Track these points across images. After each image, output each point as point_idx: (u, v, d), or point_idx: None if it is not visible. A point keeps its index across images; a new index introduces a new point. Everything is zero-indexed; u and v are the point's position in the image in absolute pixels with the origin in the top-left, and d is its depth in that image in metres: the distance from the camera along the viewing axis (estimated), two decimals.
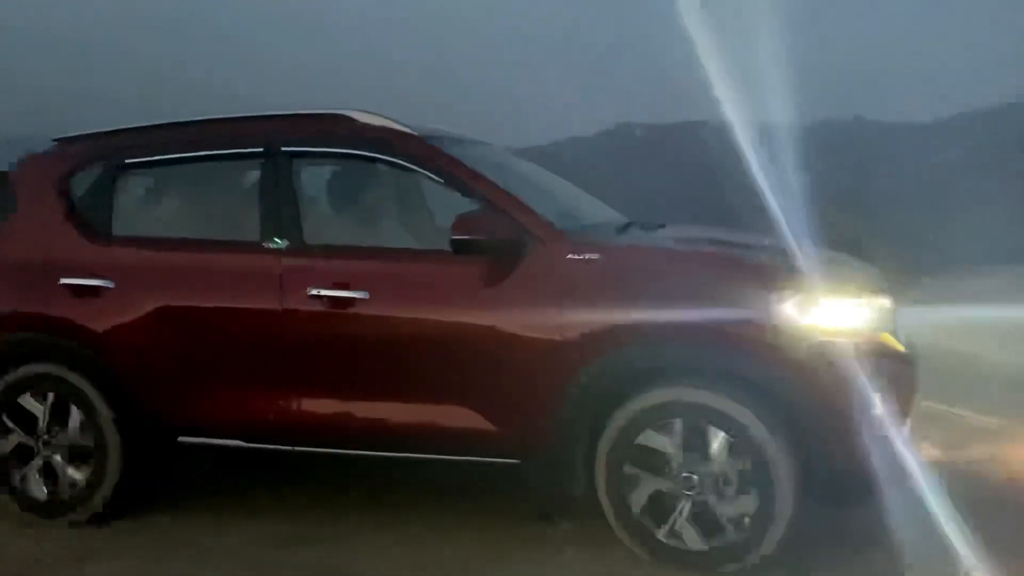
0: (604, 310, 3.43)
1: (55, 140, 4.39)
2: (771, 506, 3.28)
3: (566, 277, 3.49)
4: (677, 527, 3.36)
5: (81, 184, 4.18)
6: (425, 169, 3.80)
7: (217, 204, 4.25)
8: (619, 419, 3.41)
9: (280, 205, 3.87)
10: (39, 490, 4.05)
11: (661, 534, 3.39)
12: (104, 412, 3.96)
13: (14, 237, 4.23)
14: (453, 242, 3.50)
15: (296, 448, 3.82)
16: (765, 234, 3.97)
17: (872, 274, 3.89)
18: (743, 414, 3.29)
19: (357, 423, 3.72)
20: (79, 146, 4.30)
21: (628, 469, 3.41)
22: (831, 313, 3.35)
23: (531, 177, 4.40)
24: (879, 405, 3.28)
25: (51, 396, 4.02)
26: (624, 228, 4.05)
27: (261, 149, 3.97)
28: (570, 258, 3.51)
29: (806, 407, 3.29)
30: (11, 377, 4.08)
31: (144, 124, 4.25)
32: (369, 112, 3.97)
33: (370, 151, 3.90)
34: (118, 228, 4.10)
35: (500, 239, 3.51)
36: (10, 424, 4.07)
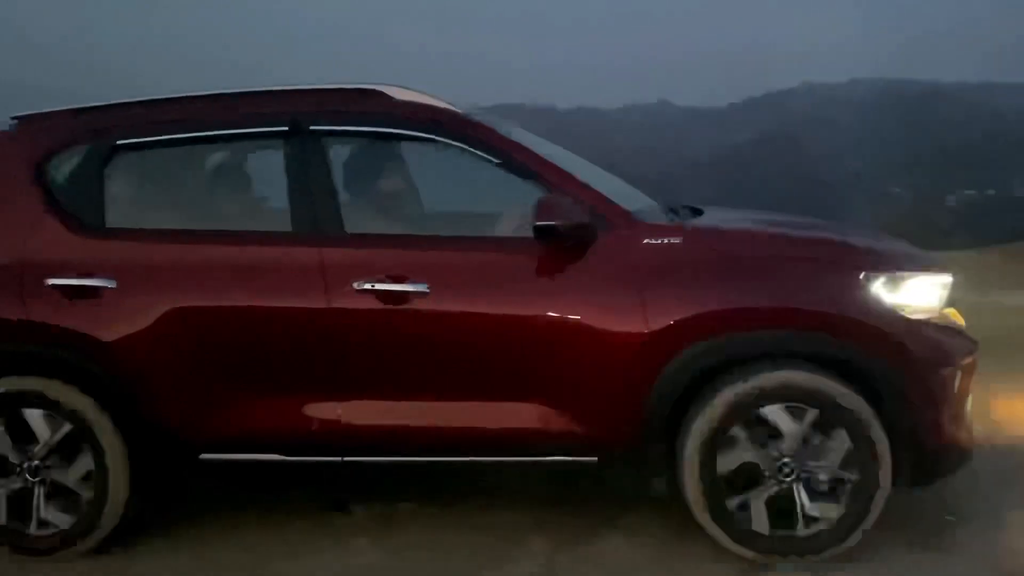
0: (692, 296, 3.28)
1: (15, 119, 3.75)
2: (874, 483, 3.23)
3: (645, 263, 3.31)
4: (776, 513, 3.26)
5: (60, 170, 3.61)
6: (482, 150, 3.48)
7: (232, 190, 3.82)
8: (715, 408, 3.25)
9: (313, 190, 3.46)
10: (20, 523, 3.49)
11: (757, 524, 3.27)
12: (106, 429, 3.45)
13: None
14: (536, 228, 3.24)
15: (346, 459, 3.43)
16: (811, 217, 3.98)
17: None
18: (844, 394, 3.21)
19: (420, 428, 3.39)
20: (53, 125, 3.69)
21: (722, 460, 3.26)
22: (912, 292, 3.33)
23: (566, 158, 4.02)
24: (959, 381, 3.33)
25: (36, 414, 3.46)
26: (674, 211, 3.85)
27: (286, 128, 3.53)
28: (647, 243, 3.34)
29: (900, 385, 3.25)
30: None
31: (137, 99, 3.71)
32: (401, 87, 3.64)
33: (415, 130, 3.56)
34: (112, 219, 3.56)
35: (577, 224, 3.27)
36: None
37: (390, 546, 3.61)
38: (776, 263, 3.38)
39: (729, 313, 3.26)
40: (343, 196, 3.54)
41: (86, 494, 3.50)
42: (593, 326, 3.27)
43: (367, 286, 3.31)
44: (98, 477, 3.48)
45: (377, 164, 3.79)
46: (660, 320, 3.23)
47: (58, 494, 3.52)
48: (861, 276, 3.28)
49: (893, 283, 3.29)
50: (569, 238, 3.28)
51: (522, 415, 3.34)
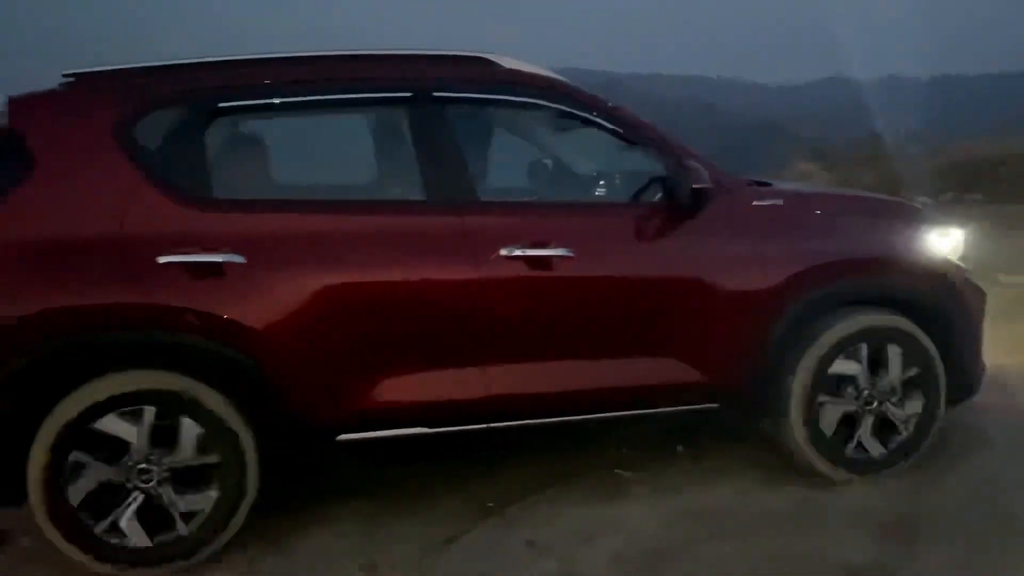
0: (802, 252, 3.67)
1: (69, 75, 3.30)
2: (936, 405, 3.80)
3: (758, 223, 3.65)
4: (864, 443, 3.74)
5: (149, 134, 3.22)
6: (603, 119, 3.63)
7: (351, 157, 3.71)
8: (815, 352, 3.65)
9: (445, 158, 3.40)
10: (138, 536, 3.10)
11: (849, 450, 3.73)
12: (238, 421, 3.17)
13: (44, 207, 3.07)
14: (695, 192, 3.46)
15: (492, 425, 3.45)
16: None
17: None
18: (914, 330, 3.75)
19: (562, 389, 3.48)
20: (132, 84, 3.28)
21: (822, 398, 3.68)
22: (951, 243, 3.95)
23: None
24: (982, 314, 4.02)
25: (149, 412, 3.09)
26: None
27: (410, 94, 3.44)
28: (756, 205, 3.68)
29: (953, 319, 3.86)
30: (85, 395, 3.03)
31: (238, 57, 3.42)
32: (501, 55, 3.66)
33: (535, 98, 3.62)
34: (220, 189, 3.26)
35: (705, 188, 3.50)
36: (84, 459, 3.06)
37: None
38: (865, 221, 3.90)
39: (835, 265, 3.70)
40: (472, 162, 3.52)
41: (213, 494, 3.19)
42: (721, 282, 3.56)
43: (517, 252, 3.34)
44: (229, 475, 3.19)
45: (489, 131, 3.87)
46: (778, 274, 3.59)
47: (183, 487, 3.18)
48: (924, 230, 3.87)
49: (943, 236, 3.91)
50: (701, 201, 3.51)
51: (655, 370, 3.55)
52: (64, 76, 3.33)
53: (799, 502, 3.58)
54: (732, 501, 3.62)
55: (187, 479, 3.18)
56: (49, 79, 3.35)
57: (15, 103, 3.23)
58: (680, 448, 4.12)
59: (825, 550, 3.21)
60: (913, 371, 3.75)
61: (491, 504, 3.63)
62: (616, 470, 3.92)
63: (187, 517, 3.17)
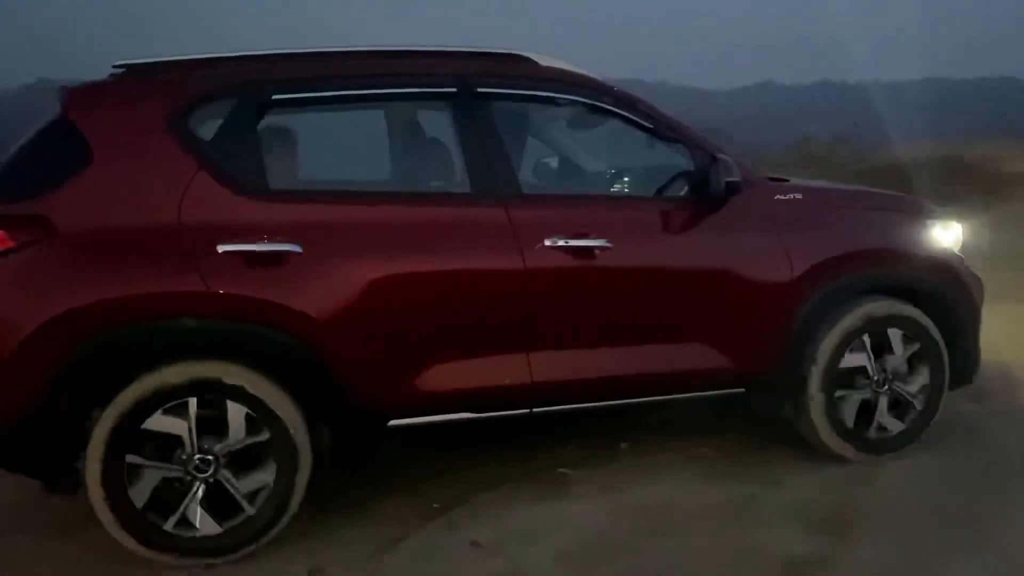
0: (823, 243, 3.84)
1: (120, 66, 3.34)
2: (941, 376, 4.03)
3: (781, 216, 3.80)
4: (883, 422, 3.96)
5: (204, 124, 3.29)
6: (639, 117, 3.76)
7: (398, 150, 3.79)
8: (830, 341, 3.82)
9: (490, 151, 3.50)
10: (209, 524, 3.16)
11: (872, 432, 3.94)
12: (290, 410, 3.22)
13: (103, 196, 3.09)
14: (728, 185, 3.60)
15: (534, 410, 3.55)
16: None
17: None
18: (918, 315, 3.96)
19: (601, 375, 3.60)
20: (186, 76, 3.33)
21: (839, 391, 3.87)
22: (951, 234, 4.19)
23: None
24: (982, 302, 4.24)
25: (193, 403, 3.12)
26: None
27: (455, 89, 3.53)
28: (779, 199, 3.85)
29: (956, 306, 4.08)
30: (137, 391, 3.05)
31: (286, 51, 3.49)
32: (539, 54, 3.76)
33: (574, 95, 3.74)
34: (275, 179, 3.31)
35: (736, 182, 3.65)
36: (142, 461, 3.10)
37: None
38: (877, 215, 4.10)
39: (853, 255, 3.89)
40: (515, 156, 3.66)
41: (268, 476, 3.24)
42: (747, 271, 3.72)
43: (561, 243, 3.46)
44: (284, 459, 3.24)
45: (528, 126, 3.99)
46: (802, 264, 3.75)
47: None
48: (928, 223, 4.10)
49: (945, 228, 4.15)
50: (729, 194, 3.65)
51: (689, 355, 3.69)
52: (114, 67, 3.36)
53: (740, 496, 3.68)
54: (674, 496, 3.70)
55: (244, 463, 3.23)
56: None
57: (71, 94, 3.26)
58: (623, 445, 4.20)
59: (765, 543, 3.30)
60: (916, 346, 3.96)
61: (436, 505, 3.66)
62: (560, 469, 3.98)
63: (250, 497, 3.23)
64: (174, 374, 3.10)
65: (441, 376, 3.39)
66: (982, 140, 21.40)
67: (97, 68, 3.42)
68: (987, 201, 14.15)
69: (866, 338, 3.89)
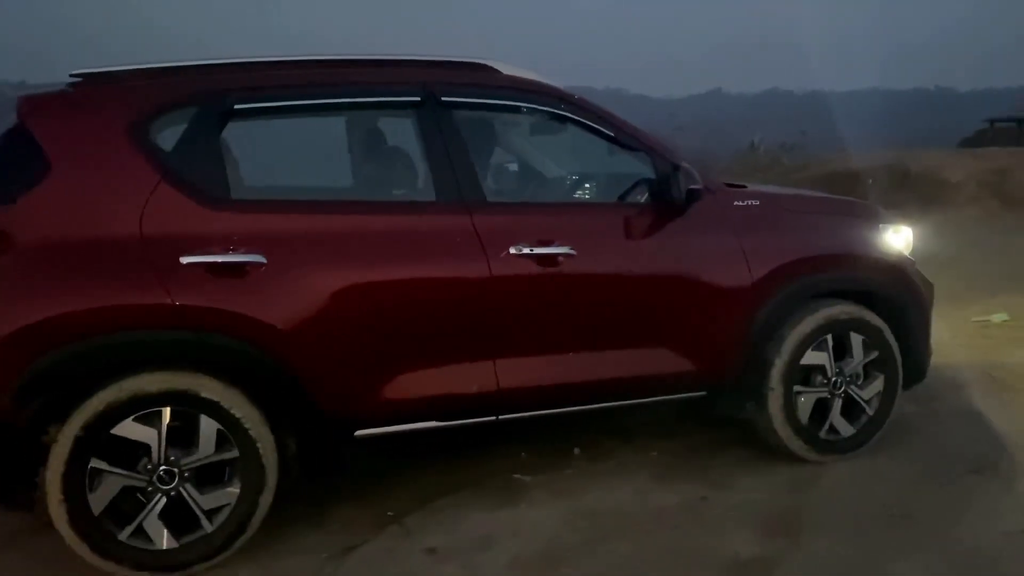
0: (780, 248, 3.92)
1: (77, 75, 3.26)
2: (895, 385, 4.14)
3: (738, 222, 3.87)
4: (835, 424, 4.04)
5: (165, 134, 3.22)
6: (601, 125, 3.79)
7: (363, 159, 3.77)
8: (789, 343, 3.90)
9: (454, 160, 3.50)
10: (165, 538, 3.10)
11: (823, 432, 4.02)
12: (258, 421, 3.18)
13: (62, 207, 3.02)
14: (690, 192, 3.65)
15: (500, 417, 3.55)
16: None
17: None
18: (874, 318, 4.06)
19: (566, 381, 3.61)
20: (148, 85, 3.27)
21: (797, 388, 3.95)
22: (902, 238, 4.32)
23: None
24: (931, 304, 4.35)
25: (167, 412, 3.08)
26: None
27: (419, 98, 3.52)
28: (737, 205, 3.91)
29: (908, 308, 4.18)
30: (103, 400, 2.99)
31: (250, 59, 3.44)
32: (502, 63, 3.78)
33: (537, 104, 3.77)
34: (237, 190, 3.28)
35: (697, 189, 3.72)
36: (107, 466, 3.04)
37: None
38: (832, 219, 4.20)
39: (809, 260, 3.97)
40: (479, 164, 3.67)
41: (232, 493, 3.20)
42: (709, 276, 3.78)
43: (525, 250, 3.47)
44: (251, 477, 3.20)
45: (491, 134, 4.03)
46: (761, 269, 3.83)
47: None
48: (880, 227, 4.21)
49: (896, 233, 4.27)
50: (691, 201, 3.70)
51: (652, 360, 3.74)
52: (72, 76, 3.28)
53: (692, 500, 3.73)
54: (628, 501, 3.74)
55: (208, 478, 3.18)
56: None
57: (28, 102, 3.18)
58: (577, 451, 4.23)
59: (716, 545, 3.35)
60: (874, 354, 4.07)
61: (391, 513, 3.65)
62: (514, 475, 4.00)
63: (211, 515, 3.18)
64: (152, 382, 3.05)
65: (409, 385, 3.38)
66: (922, 148, 22.00)
67: (60, 74, 3.38)
68: (925, 208, 14.56)
69: (829, 338, 3.97)
